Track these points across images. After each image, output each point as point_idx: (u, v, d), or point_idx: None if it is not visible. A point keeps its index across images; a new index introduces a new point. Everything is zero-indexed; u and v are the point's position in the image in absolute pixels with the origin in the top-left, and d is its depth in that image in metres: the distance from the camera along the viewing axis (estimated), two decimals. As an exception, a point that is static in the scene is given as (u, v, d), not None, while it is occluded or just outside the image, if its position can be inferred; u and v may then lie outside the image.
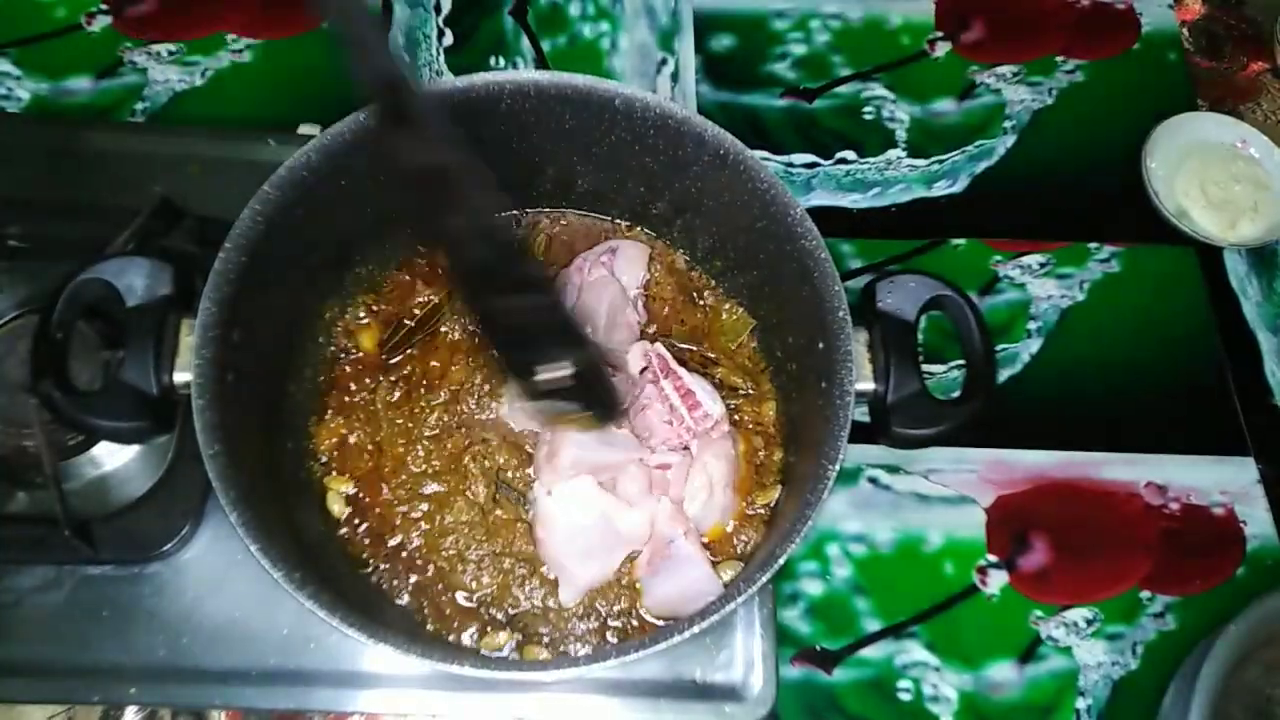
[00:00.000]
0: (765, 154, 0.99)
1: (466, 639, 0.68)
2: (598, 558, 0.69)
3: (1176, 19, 1.10)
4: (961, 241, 0.96)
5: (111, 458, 0.75)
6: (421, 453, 0.72)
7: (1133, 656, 0.80)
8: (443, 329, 0.76)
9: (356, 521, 0.71)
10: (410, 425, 0.73)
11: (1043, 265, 0.95)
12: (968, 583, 0.82)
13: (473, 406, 0.74)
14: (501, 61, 1.02)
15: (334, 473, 0.72)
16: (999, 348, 0.91)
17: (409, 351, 0.76)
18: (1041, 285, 0.95)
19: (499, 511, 0.71)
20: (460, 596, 0.69)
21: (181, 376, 0.60)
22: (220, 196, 0.71)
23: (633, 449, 0.70)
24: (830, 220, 0.96)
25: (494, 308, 0.59)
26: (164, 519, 0.71)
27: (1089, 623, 0.81)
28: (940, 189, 0.99)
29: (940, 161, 1.00)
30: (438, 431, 0.73)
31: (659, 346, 0.73)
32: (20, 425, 0.71)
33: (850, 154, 1.00)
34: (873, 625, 0.80)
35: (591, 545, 0.69)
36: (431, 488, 0.72)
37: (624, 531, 0.69)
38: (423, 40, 1.02)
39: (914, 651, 0.80)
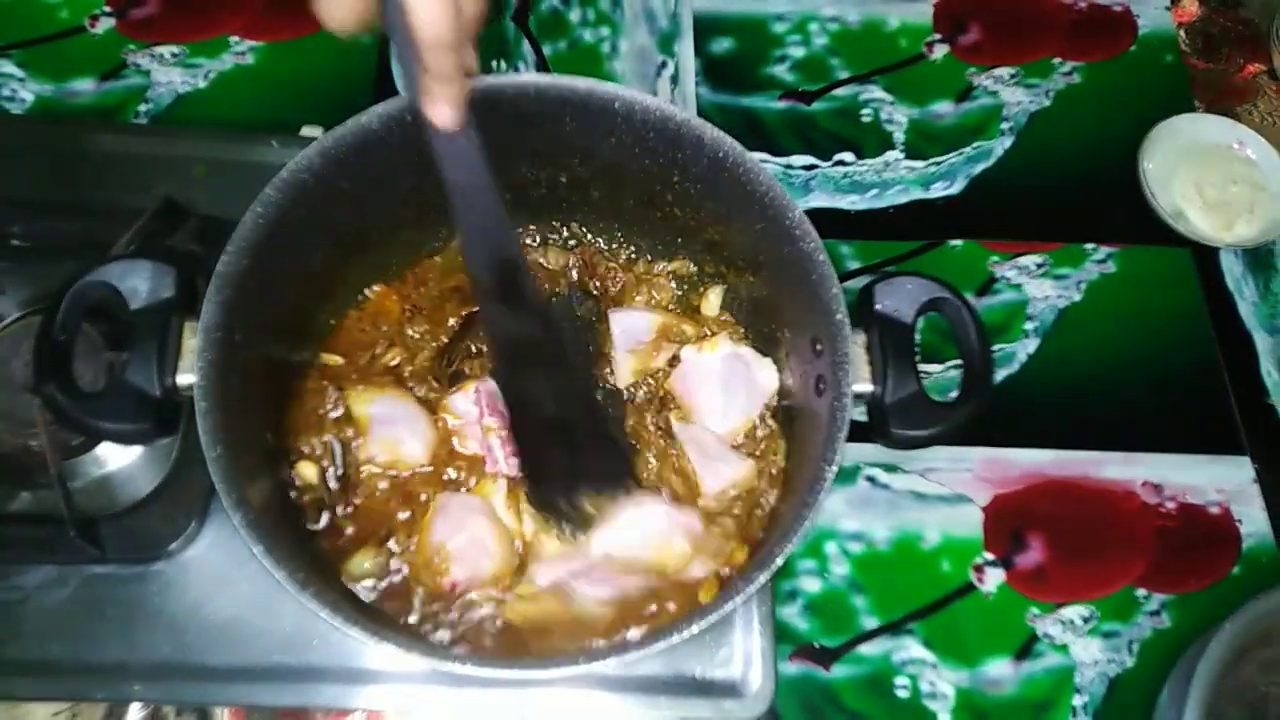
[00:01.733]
0: (764, 156, 1.00)
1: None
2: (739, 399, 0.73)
3: (1173, 21, 1.10)
4: (959, 243, 0.97)
5: (116, 457, 0.75)
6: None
7: (1129, 654, 0.81)
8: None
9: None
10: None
11: (1039, 266, 0.96)
12: (965, 580, 0.83)
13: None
14: (503, 65, 1.03)
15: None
16: (996, 348, 0.92)
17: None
18: (1038, 286, 0.95)
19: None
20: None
21: (185, 379, 0.60)
22: (223, 198, 0.72)
23: None
24: (828, 222, 0.96)
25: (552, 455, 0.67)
26: (168, 518, 0.72)
27: (1085, 620, 0.82)
28: (938, 190, 0.99)
29: (938, 163, 1.01)
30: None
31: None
32: (25, 426, 0.71)
33: (848, 156, 1.01)
34: (870, 622, 0.81)
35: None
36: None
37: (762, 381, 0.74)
38: (423, 42, 1.03)
39: (911, 648, 0.80)
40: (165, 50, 1.00)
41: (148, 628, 0.71)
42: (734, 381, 0.73)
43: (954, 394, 0.65)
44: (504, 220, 0.63)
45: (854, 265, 0.95)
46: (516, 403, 0.68)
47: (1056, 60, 1.07)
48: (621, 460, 0.70)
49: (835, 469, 0.59)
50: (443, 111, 0.57)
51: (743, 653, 0.72)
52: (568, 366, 0.69)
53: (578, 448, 0.68)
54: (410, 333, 0.76)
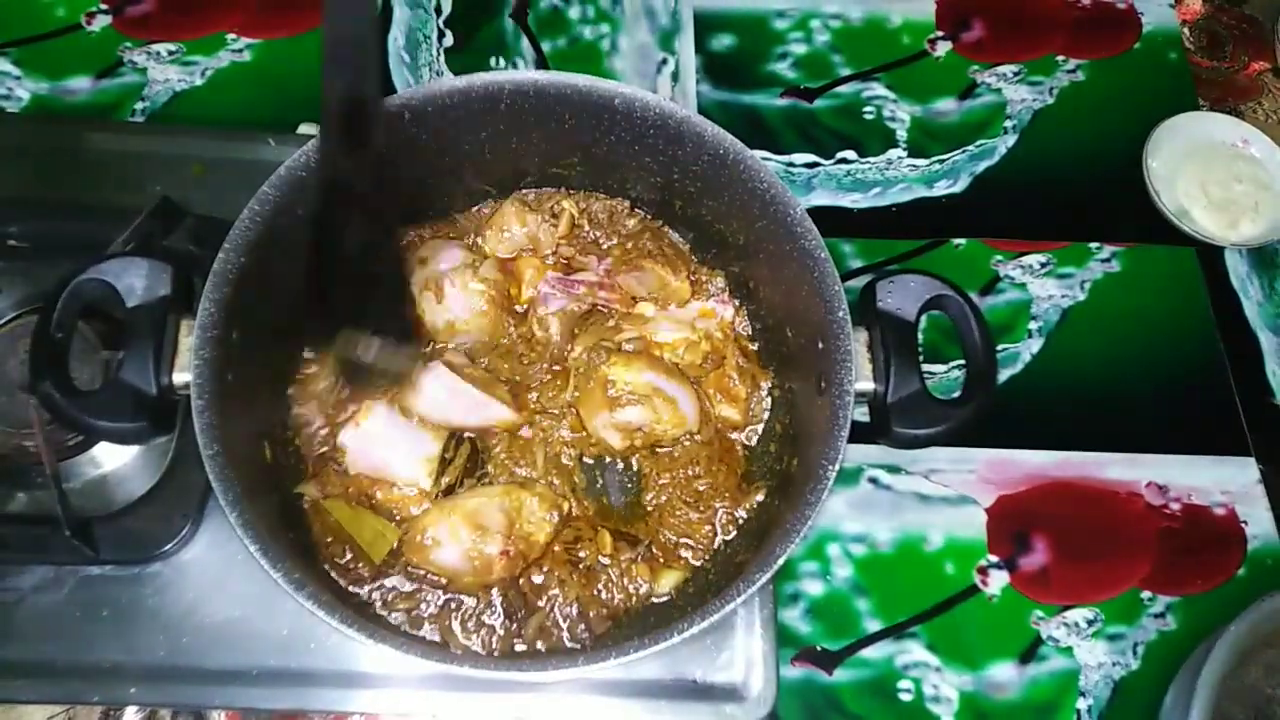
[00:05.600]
0: (765, 154, 0.99)
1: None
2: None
3: (1177, 18, 1.10)
4: (962, 241, 0.96)
5: (111, 458, 0.75)
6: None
7: (1133, 657, 0.80)
8: None
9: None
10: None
11: (1043, 265, 0.95)
12: (968, 583, 0.82)
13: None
14: (502, 62, 1.02)
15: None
16: (1000, 348, 0.91)
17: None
18: (1042, 285, 0.95)
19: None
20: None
21: (181, 377, 0.60)
22: (220, 196, 0.71)
23: None
24: (831, 220, 0.96)
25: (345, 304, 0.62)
26: (164, 519, 0.71)
27: (1090, 623, 0.81)
28: (941, 189, 0.99)
29: (941, 161, 1.00)
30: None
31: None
32: (20, 425, 0.71)
33: (851, 154, 1.00)
34: (873, 625, 0.80)
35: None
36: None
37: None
38: (423, 41, 1.02)
39: (915, 652, 0.80)
40: (162, 48, 1.00)
41: (144, 630, 0.70)
42: None
43: (957, 394, 0.64)
44: (370, 54, 0.58)
45: (856, 264, 0.95)
46: (327, 244, 0.61)
47: (1060, 58, 1.06)
48: (406, 319, 0.68)
49: (837, 469, 0.59)
50: None
51: (744, 656, 0.71)
52: (386, 222, 0.64)
53: (370, 302, 0.63)
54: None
